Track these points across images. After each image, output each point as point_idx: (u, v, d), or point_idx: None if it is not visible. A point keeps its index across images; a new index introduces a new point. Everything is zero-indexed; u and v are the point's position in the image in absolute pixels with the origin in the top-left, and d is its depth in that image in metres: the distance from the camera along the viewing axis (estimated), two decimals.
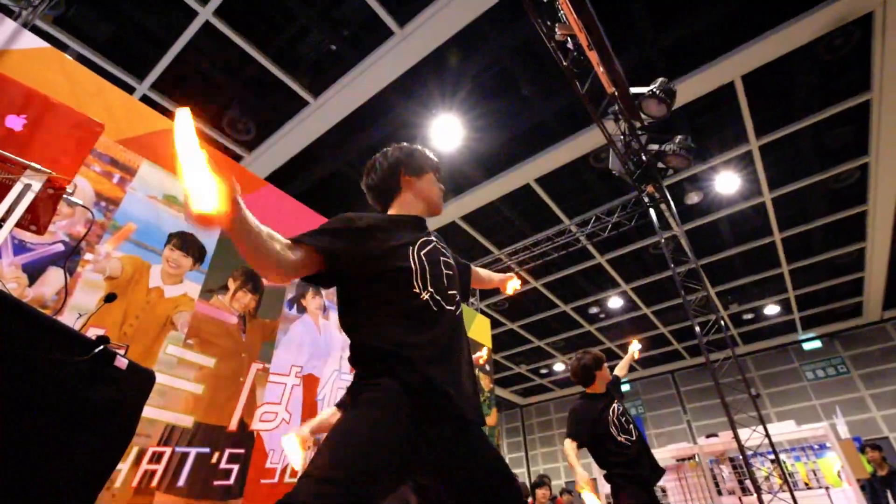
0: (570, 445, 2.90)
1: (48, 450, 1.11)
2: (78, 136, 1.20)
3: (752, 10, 4.95)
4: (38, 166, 1.11)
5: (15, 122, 1.13)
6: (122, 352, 1.28)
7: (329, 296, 3.33)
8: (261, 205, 3.03)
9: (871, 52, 5.30)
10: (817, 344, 11.92)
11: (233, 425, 2.41)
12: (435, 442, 1.13)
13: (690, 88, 5.42)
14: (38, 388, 1.08)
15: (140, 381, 1.34)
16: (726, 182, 7.04)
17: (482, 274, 1.87)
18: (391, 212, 1.51)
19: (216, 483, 2.25)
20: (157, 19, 5.01)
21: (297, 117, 6.06)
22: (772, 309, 10.91)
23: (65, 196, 1.21)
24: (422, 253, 1.32)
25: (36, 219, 1.23)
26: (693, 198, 7.40)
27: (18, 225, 1.24)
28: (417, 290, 1.25)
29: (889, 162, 6.64)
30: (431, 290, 1.27)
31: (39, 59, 2.08)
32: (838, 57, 5.41)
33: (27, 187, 1.09)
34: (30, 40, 2.15)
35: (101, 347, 1.19)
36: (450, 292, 1.33)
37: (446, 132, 6.18)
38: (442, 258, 1.39)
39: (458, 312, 1.36)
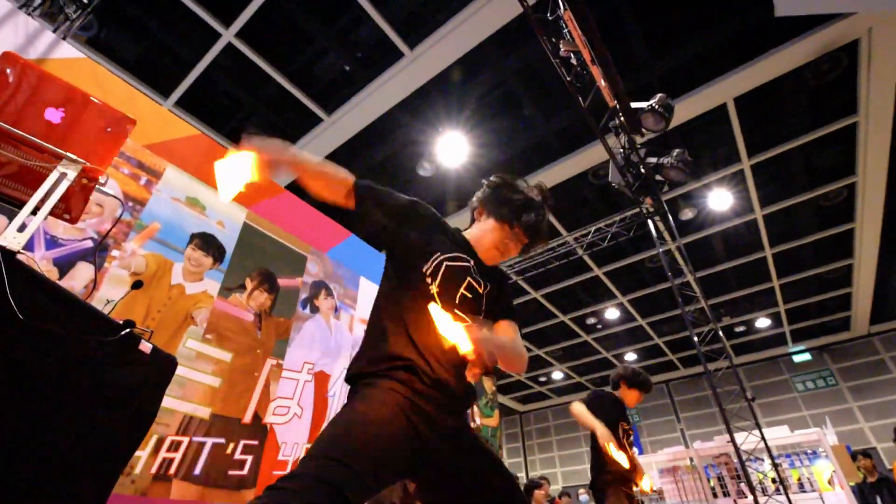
0: (581, 406, 2.76)
1: (75, 426, 1.09)
2: (111, 131, 1.21)
3: (744, 36, 5.00)
4: (73, 156, 1.11)
5: (54, 115, 1.14)
6: (146, 337, 1.27)
7: (340, 297, 3.32)
8: (280, 209, 3.05)
9: (857, 77, 5.32)
10: (807, 356, 11.77)
11: (247, 418, 2.39)
12: (433, 442, 1.11)
13: (685, 109, 5.45)
14: (68, 365, 1.07)
15: (162, 366, 1.32)
16: (719, 199, 7.03)
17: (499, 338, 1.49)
18: (466, 232, 1.44)
19: (231, 473, 2.22)
20: (182, 41, 5.10)
21: (311, 133, 6.12)
22: (763, 322, 10.82)
23: (97, 187, 1.22)
24: (447, 263, 1.25)
25: (69, 208, 1.24)
26: (687, 213, 7.40)
27: (53, 213, 1.24)
28: (430, 292, 1.21)
29: (875, 182, 6.62)
30: (440, 300, 1.21)
31: (75, 67, 2.11)
32: (826, 81, 5.44)
33: (63, 176, 1.09)
34: (67, 51, 2.18)
35: (128, 330, 1.18)
36: (458, 311, 1.23)
37: (452, 149, 6.22)
38: (470, 280, 1.28)
39: None
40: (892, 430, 4.47)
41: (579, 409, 2.73)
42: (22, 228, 1.03)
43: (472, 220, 1.47)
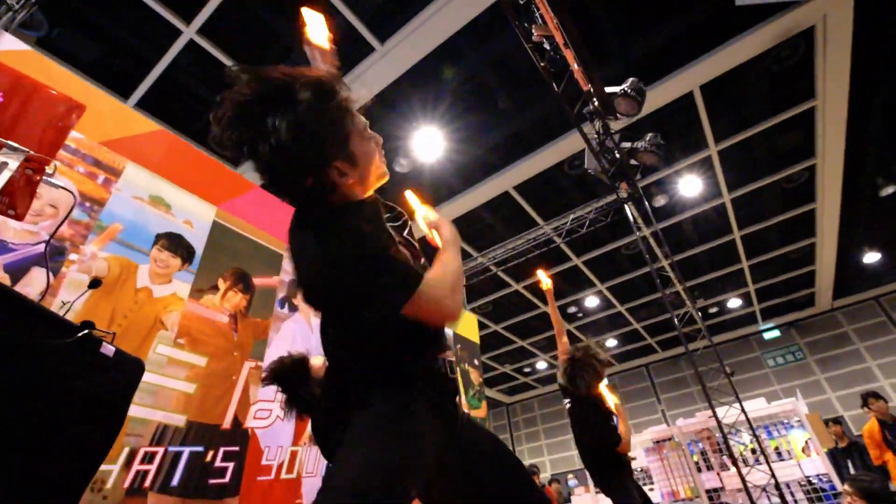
0: None
1: (31, 440, 0.99)
2: (58, 117, 1.10)
3: (707, 25, 5.09)
4: (14, 144, 1.00)
5: None
6: (108, 340, 1.16)
7: None
8: (252, 206, 2.92)
9: (814, 63, 5.48)
10: (776, 333, 12.19)
11: (226, 423, 2.27)
12: (447, 440, 1.03)
13: (654, 98, 5.50)
14: (19, 374, 0.96)
15: (129, 370, 1.22)
16: (689, 185, 7.17)
17: None
18: None
19: (212, 482, 2.10)
20: (140, 39, 4.87)
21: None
22: (734, 302, 11.13)
23: (45, 178, 1.10)
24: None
25: (14, 202, 1.12)
26: (660, 200, 7.52)
27: None
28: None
29: (833, 163, 6.85)
30: None
31: (19, 60, 1.95)
32: (786, 67, 5.58)
33: (3, 165, 0.98)
34: (10, 42, 2.02)
35: (86, 332, 1.08)
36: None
37: (428, 144, 6.15)
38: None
39: None
40: (860, 397, 4.65)
41: None
42: None
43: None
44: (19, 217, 1.15)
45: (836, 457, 5.22)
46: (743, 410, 4.16)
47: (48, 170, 1.09)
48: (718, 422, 3.99)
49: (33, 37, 4.36)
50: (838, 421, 5.50)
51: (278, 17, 4.84)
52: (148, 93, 5.24)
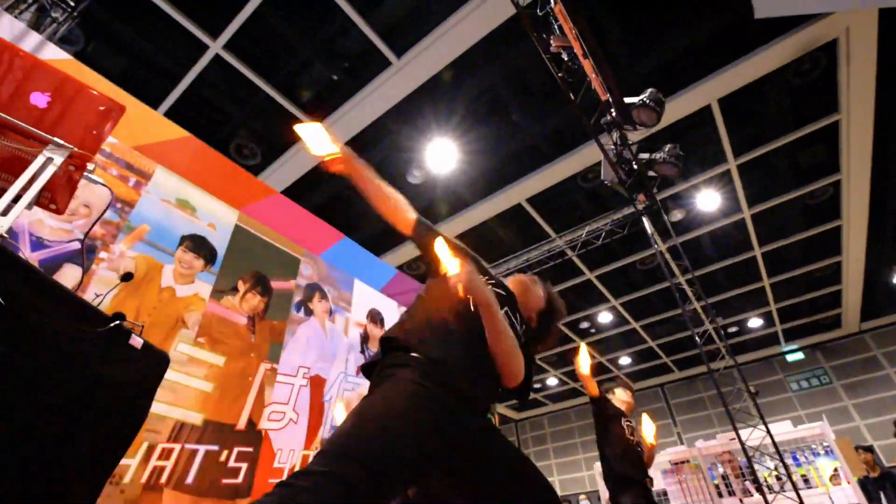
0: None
1: (59, 426, 1.04)
2: (100, 117, 1.18)
3: (725, 38, 5.10)
4: (60, 141, 1.08)
5: (39, 100, 1.10)
6: (137, 332, 1.22)
7: (335, 300, 3.27)
8: (272, 210, 3.01)
9: (837, 76, 5.44)
10: (800, 355, 11.83)
11: (241, 424, 2.31)
12: (458, 438, 1.06)
13: (670, 111, 5.51)
14: (51, 358, 1.02)
15: (154, 362, 1.27)
16: (707, 200, 7.11)
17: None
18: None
19: (225, 481, 2.14)
20: (168, 54, 5.08)
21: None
22: (755, 322, 10.87)
23: (86, 174, 1.18)
24: (490, 284, 1.30)
25: (55, 198, 1.19)
26: (676, 215, 7.46)
27: (38, 203, 1.20)
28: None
29: (859, 179, 6.74)
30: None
31: (61, 68, 2.07)
32: (807, 81, 5.55)
33: (48, 161, 1.06)
34: (53, 52, 2.15)
35: (117, 322, 1.13)
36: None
37: (441, 155, 6.24)
38: (507, 309, 1.34)
39: None
40: (893, 424, 4.46)
41: None
42: (6, 213, 0.99)
43: None
44: (60, 212, 1.23)
45: (867, 487, 5.00)
46: (769, 432, 4.01)
47: (89, 167, 1.16)
48: (742, 444, 3.86)
49: (70, 50, 4.60)
50: (870, 449, 5.27)
51: (300, 32, 5.01)
52: (174, 106, 5.45)
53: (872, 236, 7.93)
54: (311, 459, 0.87)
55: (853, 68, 5.23)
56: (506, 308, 1.30)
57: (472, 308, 1.19)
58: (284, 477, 2.41)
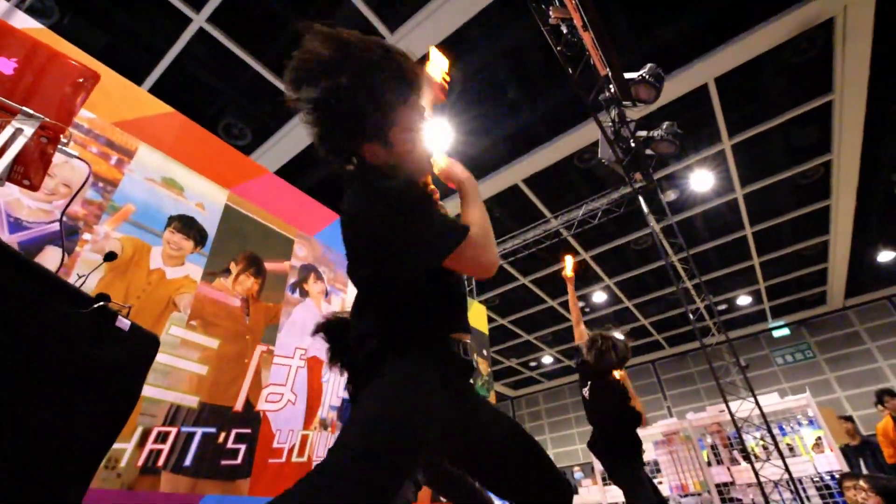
0: None
1: (47, 410, 0.97)
2: (73, 84, 1.08)
3: (723, 16, 4.98)
4: (29, 111, 0.98)
5: (5, 66, 1.00)
6: (123, 313, 1.15)
7: (331, 280, 3.20)
8: (264, 190, 2.91)
9: (832, 56, 5.36)
10: (786, 331, 12.04)
11: (239, 405, 2.26)
12: (464, 419, 1.04)
13: (667, 91, 5.39)
14: (34, 341, 0.95)
15: (144, 344, 1.20)
16: (701, 180, 7.07)
17: None
18: None
19: (224, 463, 2.10)
20: (150, 27, 4.84)
21: (291, 122, 5.93)
22: (744, 299, 11.01)
23: (60, 147, 1.09)
24: None
25: (28, 172, 1.10)
26: (670, 195, 7.43)
27: (11, 179, 1.11)
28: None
29: (849, 160, 6.72)
30: None
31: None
32: (804, 60, 5.46)
33: (18, 132, 0.96)
34: (23, 20, 2.01)
35: (102, 304, 1.06)
36: None
37: (437, 135, 6.10)
38: None
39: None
40: (875, 394, 4.56)
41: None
42: None
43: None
44: (34, 188, 1.13)
45: (848, 455, 5.15)
46: (758, 404, 4.09)
47: (63, 139, 1.07)
48: (732, 415, 3.92)
49: (44, 23, 4.37)
50: (850, 419, 5.42)
51: (289, 5, 4.80)
52: (158, 82, 5.24)
53: (860, 216, 7.98)
54: (331, 457, 0.80)
55: (848, 48, 5.15)
56: None
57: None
58: (283, 458, 2.39)
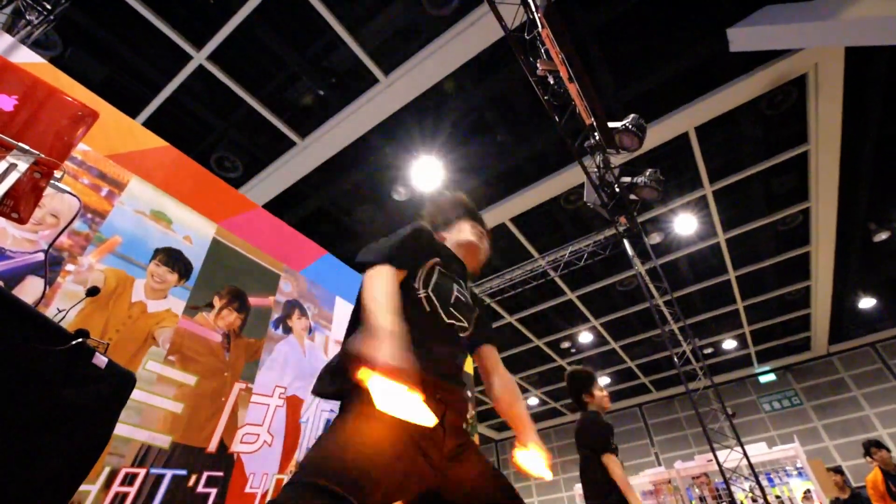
0: (614, 461, 2.47)
1: (13, 450, 0.94)
2: (72, 122, 1.11)
3: (702, 68, 5.29)
4: (25, 147, 1.01)
5: (5, 102, 1.03)
6: (101, 350, 1.14)
7: (315, 317, 3.17)
8: (253, 225, 2.92)
9: (806, 109, 5.68)
10: (772, 377, 12.08)
11: (212, 446, 2.18)
12: (438, 466, 1.03)
13: (650, 138, 5.64)
14: (8, 379, 0.93)
15: (119, 383, 1.18)
16: (685, 223, 7.27)
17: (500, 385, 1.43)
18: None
19: None
20: (150, 63, 4.98)
21: (284, 157, 6.04)
22: (729, 343, 11.08)
23: (52, 182, 1.10)
24: (439, 269, 1.26)
25: (18, 206, 1.11)
26: (655, 238, 7.60)
27: None
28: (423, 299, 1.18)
29: (827, 207, 7.00)
30: (432, 303, 1.19)
31: (35, 72, 1.99)
32: (779, 112, 5.78)
33: (12, 166, 0.98)
34: (26, 55, 2.06)
35: (80, 340, 1.05)
36: (453, 312, 1.22)
37: (427, 173, 6.24)
38: (456, 287, 1.28)
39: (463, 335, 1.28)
40: (862, 446, 4.55)
41: (613, 466, 2.47)
42: None
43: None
44: (22, 221, 1.14)
45: None
46: (745, 454, 4.05)
47: (56, 174, 1.09)
48: (720, 466, 3.87)
49: (48, 55, 4.46)
50: (839, 470, 5.37)
51: (288, 47, 4.99)
52: (154, 115, 5.33)
53: (839, 262, 8.21)
54: (281, 491, 0.83)
55: (821, 101, 5.48)
56: (457, 284, 1.28)
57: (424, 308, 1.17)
58: (256, 503, 2.29)
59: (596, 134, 4.03)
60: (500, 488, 1.11)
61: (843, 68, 5.05)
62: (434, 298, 1.19)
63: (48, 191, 1.23)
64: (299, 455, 2.60)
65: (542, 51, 3.47)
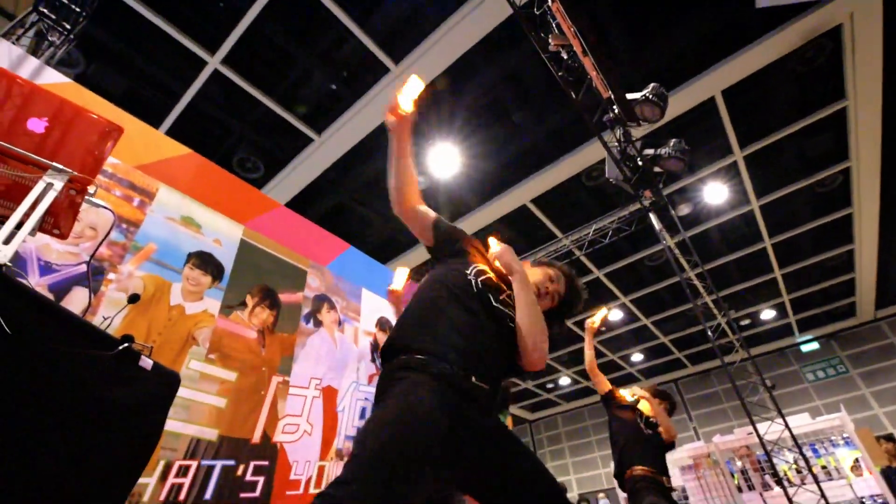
0: None
1: (69, 451, 1.02)
2: (99, 139, 1.17)
3: (726, 29, 5.04)
4: (59, 166, 1.07)
5: (37, 125, 1.09)
6: (146, 353, 1.21)
7: (343, 310, 3.25)
8: (277, 224, 3.00)
9: (843, 62, 5.36)
10: (815, 346, 11.66)
11: (256, 437, 2.30)
12: (470, 441, 1.06)
13: (674, 105, 5.44)
14: (61, 384, 1.01)
15: (165, 383, 1.26)
16: (714, 192, 7.02)
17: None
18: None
19: (243, 495, 2.13)
20: (168, 71, 5.10)
21: (302, 153, 6.11)
22: (768, 314, 10.73)
23: (87, 197, 1.17)
24: (479, 279, 1.33)
25: (58, 223, 1.19)
26: (683, 209, 7.38)
27: (42, 229, 1.19)
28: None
29: (869, 165, 6.63)
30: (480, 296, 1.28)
31: (61, 92, 2.08)
32: (812, 68, 5.47)
33: (49, 186, 1.05)
34: (52, 76, 2.16)
35: (126, 345, 1.12)
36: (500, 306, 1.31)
37: (444, 160, 6.22)
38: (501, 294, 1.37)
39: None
40: None
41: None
42: (8, 241, 0.98)
43: None
44: (63, 236, 1.22)
45: (890, 477, 4.91)
46: (787, 426, 3.95)
47: (90, 190, 1.15)
48: (760, 438, 3.79)
49: (72, 73, 4.64)
50: (891, 438, 5.16)
51: (297, 44, 5.02)
52: (176, 123, 5.48)
53: (884, 223, 7.80)
54: (331, 488, 0.87)
55: (859, 53, 5.15)
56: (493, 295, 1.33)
57: (473, 289, 1.25)
58: (301, 489, 2.40)
59: (615, 107, 3.92)
60: (537, 473, 1.13)
61: (882, 15, 4.72)
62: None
63: (83, 206, 1.30)
64: (338, 442, 2.71)
65: (554, 25, 3.38)
